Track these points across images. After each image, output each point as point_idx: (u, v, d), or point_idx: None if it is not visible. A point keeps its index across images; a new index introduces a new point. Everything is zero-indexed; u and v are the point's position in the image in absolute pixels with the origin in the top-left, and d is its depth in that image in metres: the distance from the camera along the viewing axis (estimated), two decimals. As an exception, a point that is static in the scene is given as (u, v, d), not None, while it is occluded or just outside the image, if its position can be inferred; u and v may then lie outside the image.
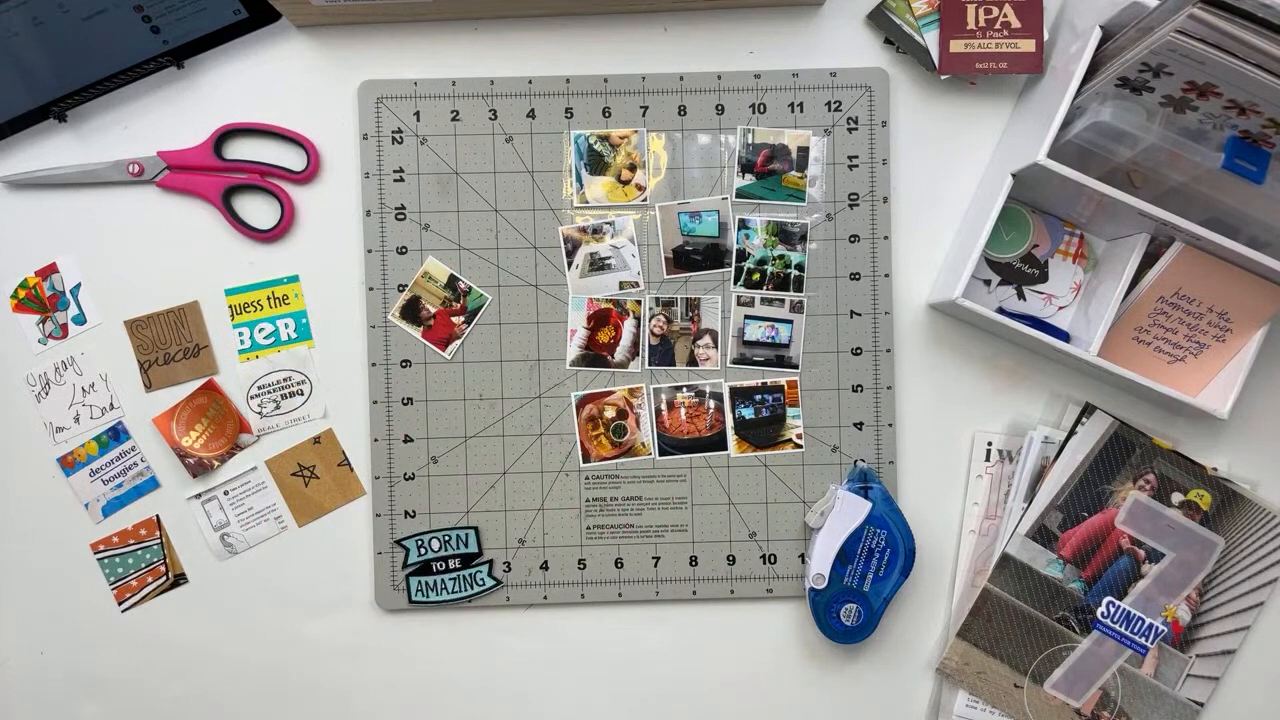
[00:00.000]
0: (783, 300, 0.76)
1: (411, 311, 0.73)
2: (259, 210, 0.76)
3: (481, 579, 0.76)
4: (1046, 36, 0.73)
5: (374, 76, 0.76)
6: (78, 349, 0.76)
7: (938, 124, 0.76)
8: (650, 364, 0.76)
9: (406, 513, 0.76)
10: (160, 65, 0.75)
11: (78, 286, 0.76)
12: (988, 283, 0.77)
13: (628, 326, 0.76)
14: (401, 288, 0.75)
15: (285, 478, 0.76)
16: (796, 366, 0.76)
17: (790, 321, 0.76)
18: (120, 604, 0.76)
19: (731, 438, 0.76)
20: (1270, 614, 0.75)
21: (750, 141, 0.76)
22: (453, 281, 0.74)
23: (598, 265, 0.76)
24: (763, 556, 0.76)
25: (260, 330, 0.76)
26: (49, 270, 0.76)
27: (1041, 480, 0.74)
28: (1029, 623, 0.74)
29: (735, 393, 0.76)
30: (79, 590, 0.76)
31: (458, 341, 0.74)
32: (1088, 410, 0.75)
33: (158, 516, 0.76)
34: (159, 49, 0.74)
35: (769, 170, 0.76)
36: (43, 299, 0.76)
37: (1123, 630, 0.74)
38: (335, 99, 0.76)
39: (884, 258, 0.76)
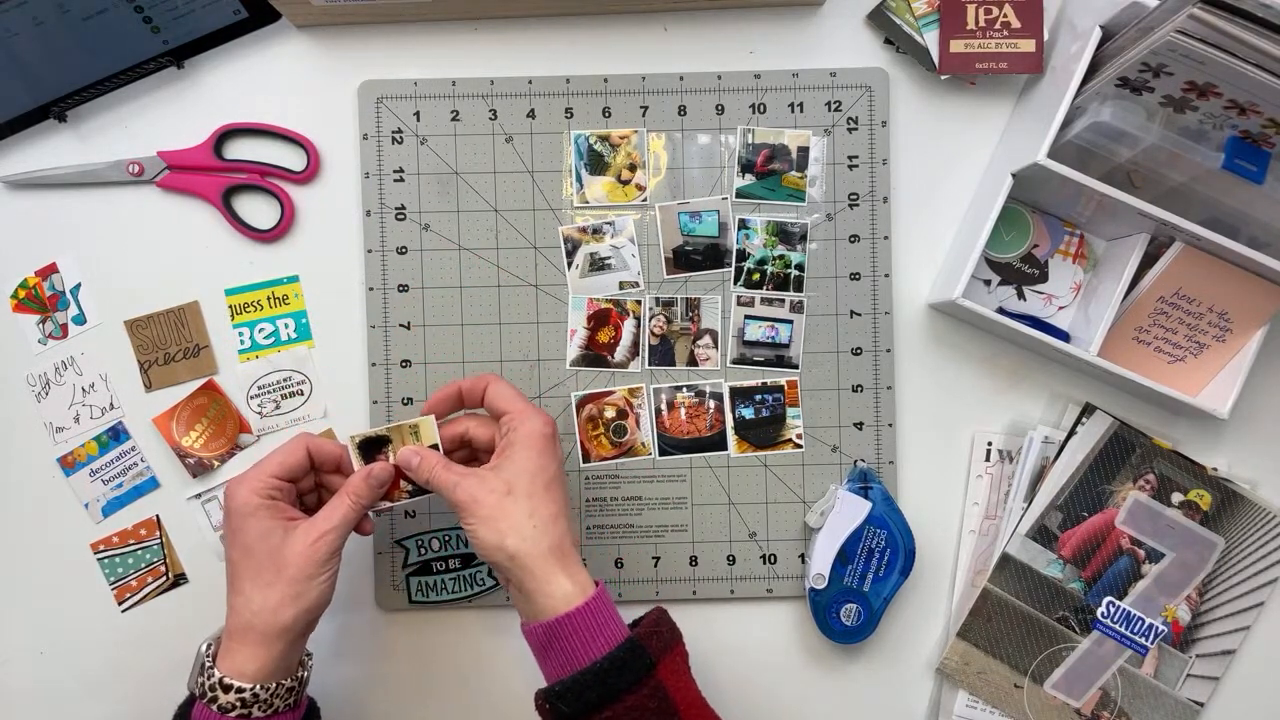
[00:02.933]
0: (783, 300, 0.76)
1: (370, 448, 0.66)
2: (259, 210, 0.76)
3: (481, 579, 0.76)
4: (1046, 36, 0.73)
5: (374, 76, 0.76)
6: (78, 349, 0.76)
7: (938, 124, 0.76)
8: (650, 364, 0.76)
9: (406, 513, 0.76)
10: (160, 65, 0.75)
11: (78, 286, 0.76)
12: (988, 283, 0.77)
13: (628, 326, 0.76)
14: (402, 288, 0.75)
15: (285, 478, 0.76)
16: (796, 366, 0.76)
17: (790, 321, 0.76)
18: (120, 604, 0.76)
19: (731, 438, 0.76)
20: (1270, 614, 0.75)
21: (750, 141, 0.76)
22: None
23: (598, 265, 0.76)
24: (763, 556, 0.76)
25: (260, 330, 0.76)
26: (49, 270, 0.76)
27: (1041, 480, 0.74)
28: (1029, 623, 0.74)
29: (735, 393, 0.76)
30: (79, 590, 0.76)
31: (387, 504, 0.66)
32: (1088, 410, 0.75)
33: (158, 516, 0.76)
34: (159, 49, 0.74)
35: (769, 170, 0.75)
36: (43, 299, 0.76)
37: (1123, 630, 0.74)
38: (335, 99, 0.76)
39: (884, 258, 0.76)
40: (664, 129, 0.76)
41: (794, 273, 0.76)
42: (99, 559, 0.76)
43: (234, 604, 0.62)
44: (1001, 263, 0.76)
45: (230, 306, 0.76)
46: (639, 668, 0.59)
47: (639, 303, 0.76)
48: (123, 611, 0.76)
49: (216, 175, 0.75)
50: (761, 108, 0.76)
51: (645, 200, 0.76)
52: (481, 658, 0.76)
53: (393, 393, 0.76)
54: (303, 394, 0.76)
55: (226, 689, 0.59)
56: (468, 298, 0.76)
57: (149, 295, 0.76)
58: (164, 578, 0.76)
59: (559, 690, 0.59)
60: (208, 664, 0.61)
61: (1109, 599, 0.74)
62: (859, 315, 0.76)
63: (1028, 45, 0.73)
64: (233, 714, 0.59)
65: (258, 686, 0.60)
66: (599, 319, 0.76)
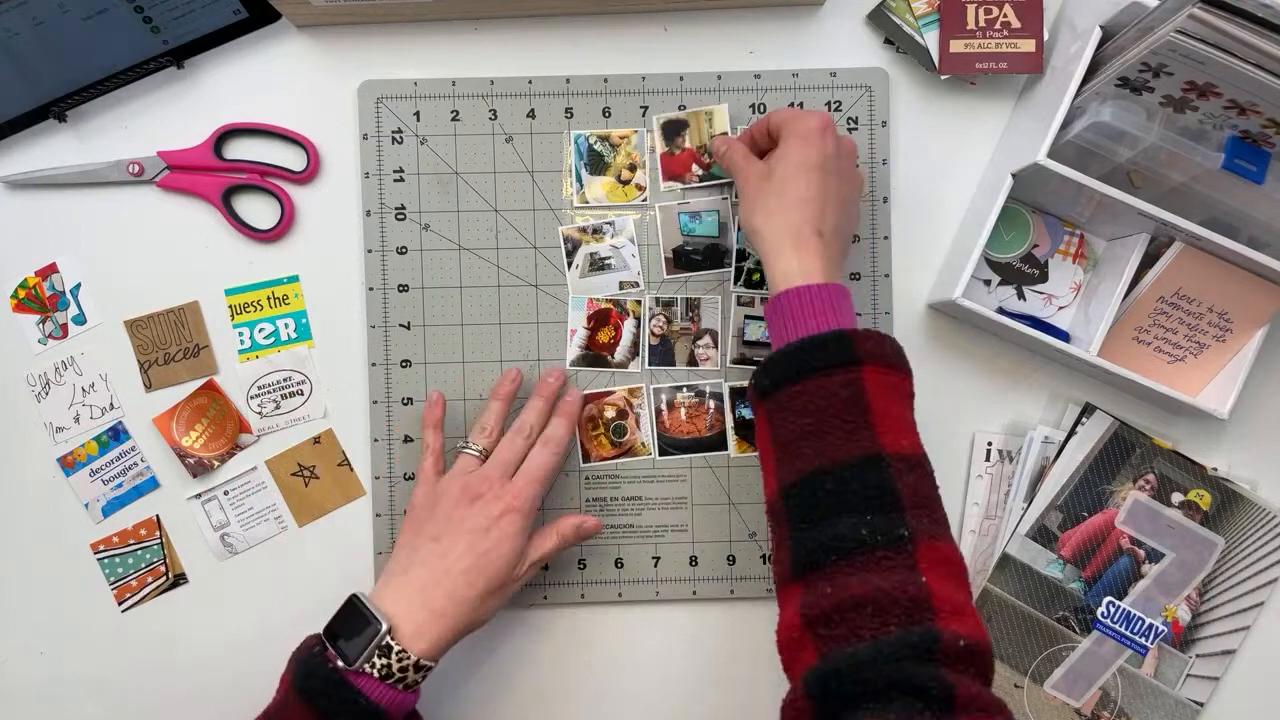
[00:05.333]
0: (783, 300, 0.76)
1: (673, 130, 0.74)
2: (259, 210, 0.76)
3: (481, 579, 0.76)
4: (1046, 36, 0.73)
5: (374, 76, 0.76)
6: (78, 349, 0.76)
7: (938, 124, 0.76)
8: (650, 364, 0.76)
9: (407, 508, 0.76)
10: (160, 65, 0.75)
11: (78, 286, 0.76)
12: (988, 283, 0.77)
13: (628, 326, 0.76)
14: (402, 288, 0.75)
15: (285, 478, 0.76)
16: (796, 366, 0.76)
17: (790, 321, 0.76)
18: (120, 604, 0.76)
19: (731, 438, 0.76)
20: (1270, 614, 0.75)
21: (750, 141, 0.76)
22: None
23: (598, 265, 0.76)
24: (763, 556, 0.76)
25: (260, 330, 0.76)
26: (49, 270, 0.76)
27: (1041, 480, 0.74)
28: (1029, 623, 0.74)
29: (735, 393, 0.76)
30: (79, 590, 0.76)
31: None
32: (1088, 410, 0.75)
33: (158, 516, 0.76)
34: (159, 49, 0.74)
35: (769, 170, 0.75)
36: (43, 299, 0.76)
37: (1123, 630, 0.74)
38: (335, 99, 0.76)
39: (884, 258, 0.76)
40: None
41: (794, 273, 0.75)
42: (99, 559, 0.76)
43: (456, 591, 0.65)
44: (1001, 263, 0.76)
45: (230, 306, 0.76)
46: (838, 356, 0.58)
47: (639, 303, 0.76)
48: (123, 611, 0.76)
49: (216, 175, 0.75)
50: (761, 108, 0.76)
51: (645, 200, 0.76)
52: (481, 658, 0.76)
53: (393, 393, 0.76)
54: (303, 394, 0.76)
55: (419, 669, 0.63)
56: (468, 298, 0.76)
57: (149, 295, 0.76)
58: (164, 578, 0.76)
59: (764, 364, 0.60)
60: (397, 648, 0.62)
61: (1109, 599, 0.74)
62: (859, 315, 0.76)
63: (1028, 45, 0.73)
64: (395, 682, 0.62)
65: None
66: (599, 319, 0.76)
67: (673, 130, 0.75)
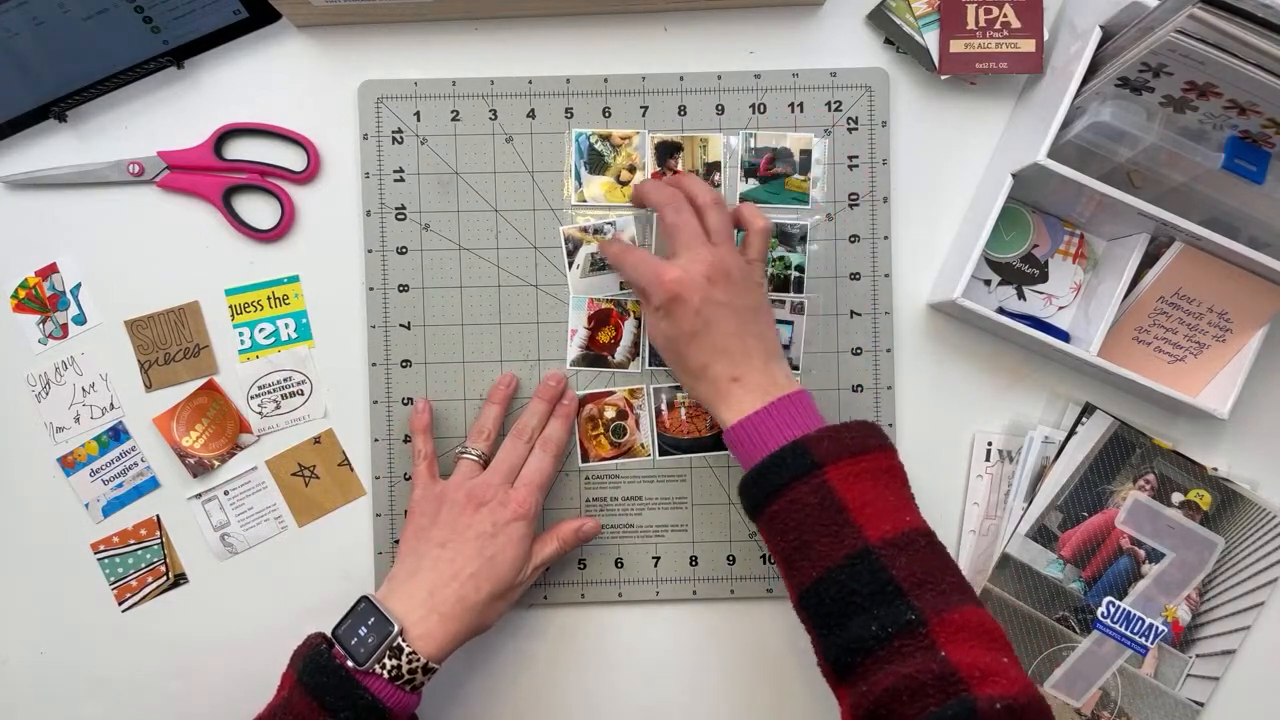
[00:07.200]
0: (783, 301, 0.76)
1: (665, 151, 0.74)
2: (259, 210, 0.76)
3: (482, 579, 0.76)
4: (1046, 36, 0.73)
5: (374, 76, 0.76)
6: (78, 349, 0.76)
7: (938, 124, 0.76)
8: (651, 364, 0.76)
9: (407, 513, 0.76)
10: (160, 65, 0.75)
11: (78, 286, 0.76)
12: (988, 283, 0.77)
13: (628, 326, 0.76)
14: (402, 288, 0.75)
15: (285, 478, 0.76)
16: (797, 368, 0.76)
17: (791, 323, 0.76)
18: (120, 604, 0.76)
19: (731, 438, 0.76)
20: (1270, 614, 0.75)
21: (753, 145, 0.76)
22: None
23: (599, 265, 0.76)
24: (763, 556, 0.76)
25: (260, 330, 0.76)
26: (49, 270, 0.76)
27: (1041, 480, 0.74)
28: (1029, 623, 0.74)
29: (735, 393, 0.76)
30: (79, 590, 0.76)
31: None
32: (1088, 410, 0.75)
33: (158, 516, 0.76)
34: (159, 49, 0.74)
35: (773, 174, 0.75)
36: (43, 299, 0.76)
37: (1123, 630, 0.74)
38: (335, 99, 0.76)
39: (884, 258, 0.76)
40: (664, 129, 0.76)
41: (794, 274, 0.76)
42: (99, 559, 0.76)
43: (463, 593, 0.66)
44: (1001, 263, 0.76)
45: (230, 306, 0.76)
46: (798, 467, 0.60)
47: (639, 303, 0.76)
48: (123, 611, 0.76)
49: (216, 175, 0.75)
50: (761, 108, 0.76)
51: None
52: (481, 658, 0.76)
53: (393, 393, 0.75)
54: (303, 394, 0.76)
55: (426, 671, 0.63)
56: (468, 298, 0.76)
57: (149, 295, 0.76)
58: (164, 578, 0.76)
59: (740, 488, 0.64)
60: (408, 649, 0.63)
61: (1109, 599, 0.74)
62: (859, 315, 0.76)
63: (1028, 45, 0.73)
64: (404, 683, 0.63)
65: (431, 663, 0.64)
66: (600, 319, 0.76)
67: (665, 152, 0.75)
